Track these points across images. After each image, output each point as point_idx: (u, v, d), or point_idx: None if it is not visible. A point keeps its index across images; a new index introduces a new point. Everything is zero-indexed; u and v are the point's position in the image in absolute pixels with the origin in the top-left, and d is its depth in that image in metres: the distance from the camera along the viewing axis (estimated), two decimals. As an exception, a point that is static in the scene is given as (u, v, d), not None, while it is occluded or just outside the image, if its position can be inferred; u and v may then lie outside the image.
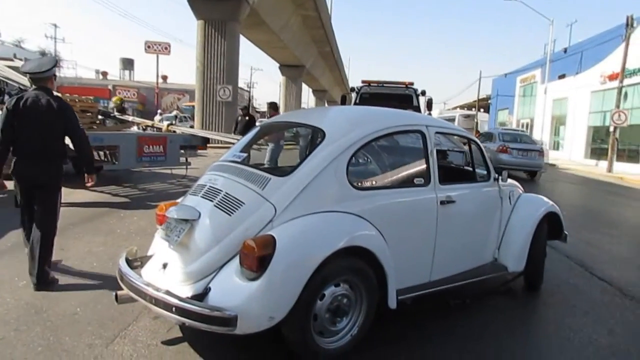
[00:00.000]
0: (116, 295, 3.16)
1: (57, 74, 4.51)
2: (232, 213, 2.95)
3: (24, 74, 4.50)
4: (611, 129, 21.58)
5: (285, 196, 2.95)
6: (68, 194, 8.26)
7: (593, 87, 27.21)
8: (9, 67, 11.00)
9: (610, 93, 24.26)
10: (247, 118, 13.35)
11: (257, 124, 6.78)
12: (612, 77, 24.31)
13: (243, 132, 12.08)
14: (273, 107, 11.91)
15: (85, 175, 4.49)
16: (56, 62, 4.55)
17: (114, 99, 12.98)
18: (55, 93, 4.32)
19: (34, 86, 4.26)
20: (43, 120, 4.07)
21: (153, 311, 3.00)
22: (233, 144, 4.66)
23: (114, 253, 4.94)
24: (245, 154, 3.64)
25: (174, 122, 14.29)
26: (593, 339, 3.63)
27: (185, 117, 28.17)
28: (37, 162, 4.09)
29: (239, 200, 3.00)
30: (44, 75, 4.20)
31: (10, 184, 4.20)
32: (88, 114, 10.88)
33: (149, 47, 36.46)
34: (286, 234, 2.79)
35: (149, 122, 11.96)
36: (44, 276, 4.04)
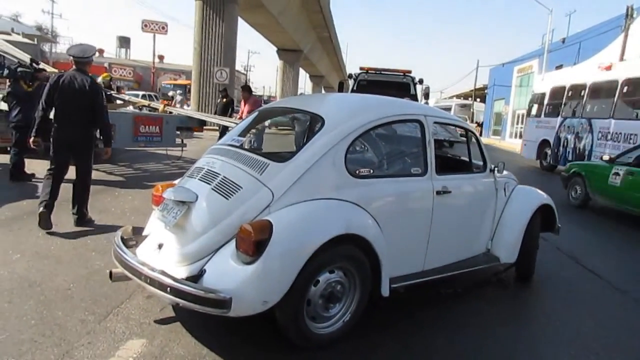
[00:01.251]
0: (110, 273, 3.17)
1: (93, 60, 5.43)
2: (229, 197, 2.96)
3: (70, 56, 5.32)
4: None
5: (283, 182, 2.95)
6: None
7: (591, 78, 27.09)
8: (7, 41, 10.86)
9: (608, 84, 24.13)
10: (224, 100, 13.38)
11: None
12: (610, 68, 24.23)
13: (221, 114, 12.07)
14: (247, 90, 11.89)
15: (104, 146, 5.43)
16: (95, 51, 5.53)
17: (102, 75, 12.78)
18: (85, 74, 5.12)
19: (73, 67, 5.19)
20: (77, 96, 5.00)
21: (147, 290, 3.02)
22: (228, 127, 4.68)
23: (108, 231, 4.96)
24: (243, 138, 3.63)
25: (170, 102, 14.21)
26: (582, 331, 3.69)
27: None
28: (74, 127, 5.05)
29: (237, 185, 3.00)
30: (84, 59, 5.20)
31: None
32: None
33: (145, 25, 35.97)
34: (283, 219, 2.80)
35: (145, 102, 11.87)
36: (84, 216, 5.28)
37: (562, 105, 14.87)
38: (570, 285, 4.72)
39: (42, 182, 5.17)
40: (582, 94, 14.08)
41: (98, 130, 5.41)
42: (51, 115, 5.13)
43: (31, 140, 5.17)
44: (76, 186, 5.27)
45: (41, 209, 4.86)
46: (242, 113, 11.58)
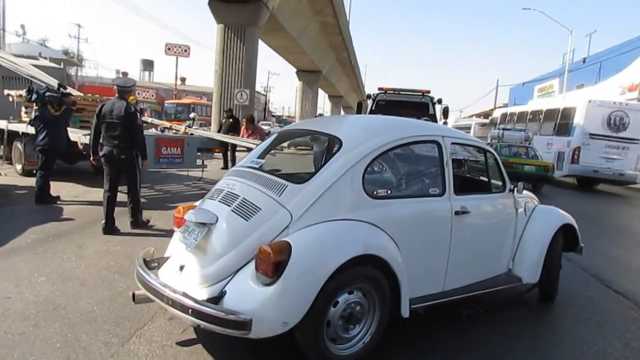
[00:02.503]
0: (133, 295, 3.23)
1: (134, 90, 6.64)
2: (249, 218, 3.00)
3: (115, 85, 6.27)
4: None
5: (301, 203, 2.99)
6: (86, 192, 8.43)
7: (612, 97, 26.86)
8: (35, 65, 11.19)
9: (630, 104, 23.92)
10: (231, 120, 13.55)
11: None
12: (631, 88, 24.00)
13: (227, 133, 12.26)
14: (250, 120, 12.05)
15: (141, 160, 6.19)
16: (135, 83, 6.66)
17: (129, 98, 13.12)
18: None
19: (116, 95, 6.16)
20: (116, 120, 5.88)
21: (169, 312, 3.06)
22: (250, 148, 4.77)
23: (131, 253, 5.03)
24: (262, 160, 3.69)
25: (191, 124, 14.43)
26: (608, 352, 3.61)
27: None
28: (116, 147, 5.90)
29: (256, 206, 3.05)
30: (126, 89, 6.22)
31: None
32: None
33: (169, 49, 36.89)
34: (302, 240, 2.82)
35: (167, 124, 12.09)
36: (137, 220, 6.16)
37: (494, 126, 23.07)
38: (595, 306, 4.62)
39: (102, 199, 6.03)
40: (512, 119, 22.75)
41: None
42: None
43: (91, 158, 6.26)
44: (130, 197, 6.13)
45: (103, 224, 5.87)
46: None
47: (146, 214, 6.47)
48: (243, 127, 12.46)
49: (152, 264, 3.42)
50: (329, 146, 3.62)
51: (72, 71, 43.34)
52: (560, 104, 19.16)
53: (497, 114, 27.07)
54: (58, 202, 7.36)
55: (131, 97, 12.82)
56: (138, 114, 6.26)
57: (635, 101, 21.51)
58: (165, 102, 25.86)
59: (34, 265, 4.55)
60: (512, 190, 4.24)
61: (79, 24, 54.95)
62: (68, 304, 3.74)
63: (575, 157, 15.65)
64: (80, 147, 8.51)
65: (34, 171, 7.99)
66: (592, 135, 15.66)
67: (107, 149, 5.93)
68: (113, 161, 5.94)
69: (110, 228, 5.88)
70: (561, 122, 17.51)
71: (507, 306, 4.39)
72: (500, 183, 4.27)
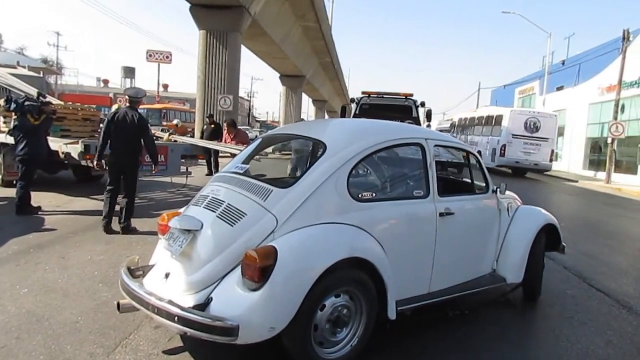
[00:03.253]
0: (118, 304, 3.19)
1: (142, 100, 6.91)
2: (234, 224, 2.99)
3: (127, 96, 6.67)
4: (609, 140, 21.67)
5: (286, 208, 2.99)
6: (68, 202, 8.33)
7: (591, 99, 27.38)
8: (13, 74, 11.05)
9: (608, 105, 24.39)
10: (212, 126, 13.51)
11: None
12: (609, 89, 24.49)
13: (208, 139, 12.24)
14: (232, 125, 12.14)
15: (153, 165, 6.86)
16: (145, 94, 6.97)
17: (114, 106, 13.04)
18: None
19: (127, 105, 6.55)
20: (129, 129, 6.28)
21: (155, 320, 3.03)
22: (233, 154, 4.77)
23: (115, 262, 4.98)
24: (247, 165, 3.68)
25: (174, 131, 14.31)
26: (591, 350, 3.66)
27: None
28: (125, 155, 6.33)
29: (241, 211, 3.04)
30: (137, 99, 6.57)
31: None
32: (89, 122, 10.94)
33: (150, 55, 36.66)
34: (287, 245, 2.83)
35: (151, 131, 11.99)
36: (128, 225, 6.39)
37: (454, 128, 31.58)
38: (578, 304, 4.69)
39: (103, 199, 6.49)
40: (466, 123, 28.75)
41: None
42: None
43: (95, 164, 6.56)
44: (124, 202, 6.42)
45: (104, 222, 6.31)
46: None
47: (117, 228, 6.46)
48: (225, 132, 12.43)
49: (137, 272, 3.39)
50: (314, 150, 3.63)
51: (51, 80, 42.81)
52: (494, 111, 24.14)
53: (456, 118, 33.34)
54: (39, 213, 7.25)
55: (117, 104, 12.83)
56: (148, 124, 6.75)
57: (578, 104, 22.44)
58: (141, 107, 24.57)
59: (15, 277, 4.47)
60: (495, 191, 4.29)
61: (58, 31, 54.16)
62: (51, 315, 3.68)
63: (503, 151, 20.86)
64: (62, 156, 8.41)
65: (14, 182, 7.88)
66: (514, 135, 20.75)
67: (117, 156, 6.34)
68: (119, 166, 6.37)
69: (109, 227, 6.36)
70: (494, 125, 22.60)
71: (492, 306, 4.43)
72: (483, 184, 4.32)
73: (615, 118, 21.51)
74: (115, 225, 6.38)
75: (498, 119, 22.29)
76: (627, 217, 11.90)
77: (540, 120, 21.15)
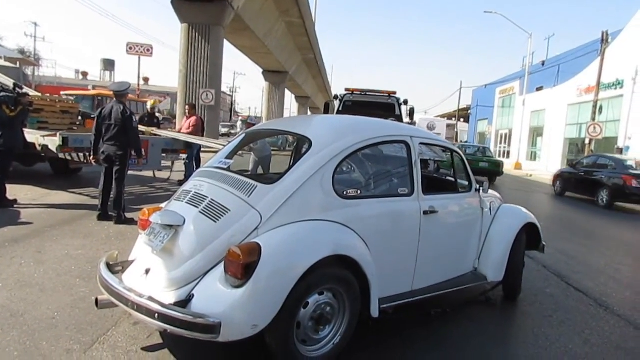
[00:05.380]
0: (96, 300, 3.12)
1: (129, 92, 7.15)
2: (217, 220, 2.95)
3: (111, 91, 6.94)
4: (587, 141, 22.10)
5: (271, 204, 2.95)
6: (45, 196, 8.16)
7: (570, 99, 27.87)
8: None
9: (586, 106, 24.89)
10: (154, 120, 13.24)
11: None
12: (587, 90, 24.96)
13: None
14: (192, 107, 11.72)
15: (137, 158, 7.06)
16: (129, 86, 7.09)
17: (150, 102, 13.00)
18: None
19: (114, 99, 6.78)
20: (117, 122, 6.53)
21: (134, 317, 2.97)
22: (216, 149, 4.71)
23: (93, 257, 4.89)
24: (231, 161, 3.63)
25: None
26: (569, 348, 3.71)
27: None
28: (114, 146, 6.56)
29: (225, 207, 2.99)
30: (122, 93, 6.75)
31: None
32: (68, 115, 10.74)
33: (130, 48, 35.88)
34: (272, 241, 2.79)
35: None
36: (121, 216, 6.59)
37: None
38: (557, 303, 4.75)
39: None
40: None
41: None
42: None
43: (91, 158, 6.89)
44: (114, 193, 6.65)
45: (98, 212, 6.67)
46: (180, 128, 11.40)
47: (95, 223, 6.42)
48: (185, 117, 12.00)
49: (116, 267, 3.32)
50: (299, 146, 3.59)
51: (28, 71, 41.88)
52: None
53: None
54: (15, 206, 7.09)
55: (152, 101, 12.94)
56: (133, 117, 6.78)
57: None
58: (61, 92, 19.75)
59: (-11, 271, 4.36)
60: (477, 190, 4.32)
61: (36, 22, 52.98)
62: (27, 310, 3.58)
63: None
64: (39, 148, 8.23)
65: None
66: None
67: (106, 147, 6.59)
68: (110, 158, 6.60)
69: (104, 216, 6.64)
70: None
71: (473, 304, 4.46)
72: (466, 183, 4.34)
73: (593, 119, 21.93)
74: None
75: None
76: (603, 218, 12.09)
77: (436, 124, 23.73)
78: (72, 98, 14.10)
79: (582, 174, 15.07)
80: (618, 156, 16.85)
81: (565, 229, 9.81)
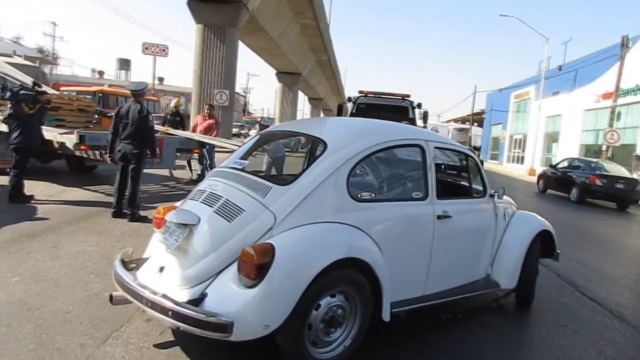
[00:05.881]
0: (111, 296, 3.15)
1: (146, 92, 7.28)
2: (231, 220, 2.96)
3: (130, 90, 7.02)
4: (604, 147, 21.66)
5: (285, 205, 2.96)
6: (61, 192, 8.26)
7: (586, 105, 27.48)
8: (9, 63, 10.95)
9: (604, 112, 24.49)
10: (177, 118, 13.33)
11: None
12: (605, 96, 24.58)
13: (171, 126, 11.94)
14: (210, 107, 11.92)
15: (151, 157, 7.03)
16: (147, 85, 7.27)
17: (174, 100, 13.21)
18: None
19: (132, 98, 6.93)
20: (134, 121, 6.63)
21: (147, 314, 3.00)
22: (230, 149, 4.74)
23: (107, 253, 4.94)
24: (246, 161, 3.65)
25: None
26: (583, 359, 3.66)
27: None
28: (130, 145, 6.67)
29: (239, 207, 3.01)
30: (139, 92, 6.87)
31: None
32: (84, 113, 10.86)
33: (146, 48, 36.27)
34: (285, 243, 2.80)
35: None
36: (135, 213, 6.68)
37: None
38: (570, 312, 4.69)
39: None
40: None
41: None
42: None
43: (107, 156, 7.01)
44: (130, 190, 6.77)
45: (113, 210, 6.75)
46: (194, 127, 11.45)
47: (110, 220, 6.50)
48: (201, 115, 12.00)
49: (131, 264, 3.35)
50: (313, 148, 3.60)
51: (46, 69, 42.42)
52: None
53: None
54: (32, 201, 7.20)
55: (176, 100, 13.18)
56: (150, 116, 6.89)
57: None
58: (61, 88, 18.22)
59: (6, 265, 4.42)
60: (492, 196, 4.29)
61: (54, 22, 53.73)
62: (42, 304, 3.64)
63: None
64: (56, 146, 8.35)
65: (8, 170, 7.80)
66: None
67: (123, 146, 6.70)
68: (126, 156, 6.71)
69: (119, 213, 6.73)
70: None
71: (485, 311, 4.43)
72: (481, 188, 4.31)
73: (611, 125, 21.59)
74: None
75: None
76: (619, 226, 11.95)
77: (439, 129, 23.99)
78: (74, 93, 14.32)
79: (560, 174, 17.42)
80: (587, 159, 18.68)
81: (565, 229, 9.70)
